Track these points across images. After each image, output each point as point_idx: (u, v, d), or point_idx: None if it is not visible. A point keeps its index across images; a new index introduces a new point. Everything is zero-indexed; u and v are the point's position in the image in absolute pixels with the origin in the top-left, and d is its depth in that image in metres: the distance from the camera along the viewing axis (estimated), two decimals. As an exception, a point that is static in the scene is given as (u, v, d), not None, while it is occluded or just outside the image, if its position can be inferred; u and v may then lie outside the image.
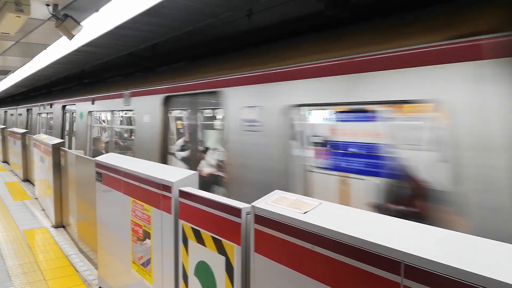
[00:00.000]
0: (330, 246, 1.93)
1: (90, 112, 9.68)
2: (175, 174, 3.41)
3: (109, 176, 4.46)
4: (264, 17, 4.12)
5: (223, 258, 2.70)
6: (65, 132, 12.38)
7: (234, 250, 2.62)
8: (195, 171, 3.42)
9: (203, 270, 2.91)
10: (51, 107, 13.19)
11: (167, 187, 3.31)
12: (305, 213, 2.23)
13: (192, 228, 3.02)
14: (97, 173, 4.78)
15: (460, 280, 1.45)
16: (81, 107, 10.20)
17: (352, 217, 2.19)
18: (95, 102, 9.27)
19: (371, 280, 1.72)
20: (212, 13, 4.18)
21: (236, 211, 2.61)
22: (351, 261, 1.82)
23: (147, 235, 3.63)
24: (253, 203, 2.54)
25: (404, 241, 1.74)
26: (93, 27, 5.92)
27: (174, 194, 3.24)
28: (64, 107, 12.12)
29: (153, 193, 3.53)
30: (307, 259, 2.10)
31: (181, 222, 3.15)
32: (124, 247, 4.06)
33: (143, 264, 3.71)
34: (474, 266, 1.46)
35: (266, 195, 2.67)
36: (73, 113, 11.53)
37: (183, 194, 3.15)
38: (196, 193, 3.04)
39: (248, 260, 2.53)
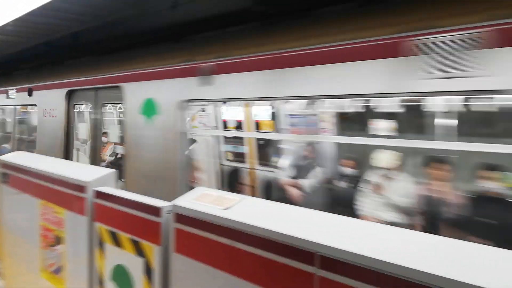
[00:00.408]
0: (248, 241, 1.91)
1: (187, 101, 4.25)
2: (90, 173, 3.16)
3: (17, 178, 4.02)
4: (190, 10, 4.01)
5: (142, 260, 2.55)
6: (75, 145, 6.81)
7: (154, 251, 2.49)
8: (113, 170, 3.20)
9: (120, 274, 2.72)
10: (30, 95, 7.47)
11: (81, 187, 3.05)
12: (226, 209, 2.18)
13: (108, 230, 2.82)
14: (3, 174, 4.28)
15: (377, 269, 1.49)
16: (150, 92, 4.58)
17: (273, 211, 2.19)
18: (219, 78, 3.88)
19: (287, 272, 1.72)
20: (135, 2, 3.97)
21: (156, 210, 2.47)
22: (268, 254, 1.81)
23: (59, 240, 3.32)
24: (173, 201, 2.44)
25: (322, 233, 1.76)
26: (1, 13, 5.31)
27: (89, 194, 3.00)
28: (70, 94, 6.43)
29: (66, 194, 3.23)
30: (227, 256, 2.05)
31: (97, 224, 2.93)
32: (33, 254, 3.68)
33: (54, 271, 3.39)
34: (388, 256, 1.50)
35: (188, 192, 2.58)
36: (102, 105, 6.14)
37: (99, 194, 2.93)
38: (113, 193, 2.84)
39: (169, 260, 2.42)
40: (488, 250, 1.55)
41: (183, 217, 2.32)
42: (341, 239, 1.69)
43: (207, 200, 2.35)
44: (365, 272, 1.51)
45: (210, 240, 2.14)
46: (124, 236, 2.69)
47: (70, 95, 6.49)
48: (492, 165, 3.72)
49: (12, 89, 8.12)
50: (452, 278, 1.31)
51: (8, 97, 8.29)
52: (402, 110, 4.75)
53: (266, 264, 1.85)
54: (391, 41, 2.74)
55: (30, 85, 7.60)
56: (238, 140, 7.05)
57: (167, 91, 4.38)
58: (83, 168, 3.63)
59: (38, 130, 7.16)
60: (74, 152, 6.81)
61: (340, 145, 5.63)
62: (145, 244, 2.54)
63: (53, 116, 6.72)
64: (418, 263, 1.42)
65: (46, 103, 6.97)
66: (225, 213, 2.10)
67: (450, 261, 1.46)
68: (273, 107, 6.46)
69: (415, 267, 1.40)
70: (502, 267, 1.40)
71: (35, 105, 7.38)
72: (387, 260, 1.47)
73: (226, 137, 7.28)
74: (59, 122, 6.52)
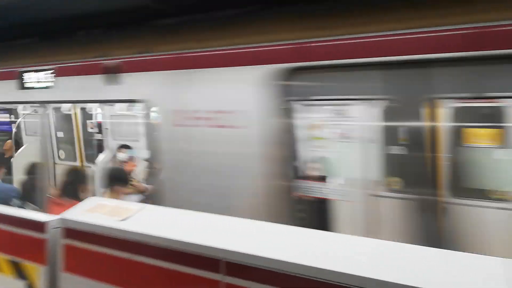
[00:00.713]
0: (149, 252, 1.78)
1: None
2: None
3: None
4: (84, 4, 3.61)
5: (24, 283, 2.23)
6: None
7: (38, 272, 2.18)
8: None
9: (-5, 302, 2.34)
10: (112, 81, 3.57)
11: None
12: (123, 220, 2.01)
13: (-21, 252, 2.40)
14: None
15: (282, 271, 1.50)
16: None
17: (176, 219, 2.09)
18: None
19: (191, 282, 1.65)
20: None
21: (40, 226, 2.18)
22: (170, 265, 1.71)
23: None
24: (61, 214, 2.18)
25: (227, 238, 1.72)
26: None
27: (-47, 211, 2.51)
28: (290, 77, 2.87)
29: None
30: (125, 271, 1.89)
31: (-36, 246, 2.47)
32: None
33: None
34: (293, 256, 1.52)
35: (80, 203, 2.33)
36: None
37: (-34, 210, 2.48)
38: (-16, 207, 2.43)
39: (56, 281, 2.15)
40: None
41: (73, 232, 2.08)
42: (246, 243, 1.67)
43: (101, 211, 2.15)
44: (271, 274, 1.51)
45: (106, 255, 1.95)
46: (0, 257, 2.32)
47: (288, 80, 2.87)
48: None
49: (39, 70, 4.09)
50: (359, 275, 1.37)
51: (23, 87, 4.21)
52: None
53: (169, 276, 1.74)
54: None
55: (113, 60, 3.55)
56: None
57: None
58: None
59: (166, 154, 3.31)
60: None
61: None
62: (28, 264, 2.22)
63: (226, 126, 3.01)
64: (323, 262, 1.47)
65: (189, 99, 3.19)
66: (122, 224, 1.94)
67: (357, 258, 1.52)
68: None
69: (321, 266, 1.44)
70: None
71: (143, 102, 3.49)
72: (292, 261, 1.49)
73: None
74: (252, 142, 2.93)
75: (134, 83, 3.43)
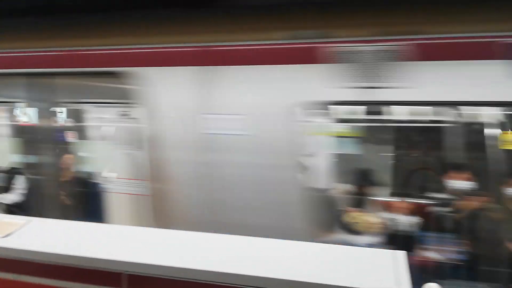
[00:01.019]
0: (39, 271, 1.62)
1: None
2: None
3: None
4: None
5: None
6: None
7: None
8: None
9: None
10: None
11: None
12: (5, 236, 1.79)
13: None
14: None
15: (187, 279, 1.50)
16: None
17: (69, 232, 1.93)
18: None
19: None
20: None
21: None
22: (65, 283, 1.58)
23: None
24: None
25: (127, 249, 1.66)
26: None
27: None
28: None
29: None
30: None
31: None
32: None
33: None
34: (197, 263, 1.52)
35: None
36: None
37: None
38: None
39: None
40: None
41: None
42: (148, 252, 1.63)
43: (-24, 228, 1.88)
44: (175, 283, 1.51)
45: (-16, 278, 1.72)
46: None
47: None
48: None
49: None
50: (261, 276, 1.44)
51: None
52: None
53: (62, 295, 1.61)
54: None
55: None
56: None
57: None
58: None
59: None
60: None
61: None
62: None
63: None
64: (224, 266, 1.51)
65: None
66: (4, 241, 1.73)
67: (258, 260, 1.58)
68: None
69: (223, 270, 1.48)
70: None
71: None
72: (193, 268, 1.51)
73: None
74: None
75: None
